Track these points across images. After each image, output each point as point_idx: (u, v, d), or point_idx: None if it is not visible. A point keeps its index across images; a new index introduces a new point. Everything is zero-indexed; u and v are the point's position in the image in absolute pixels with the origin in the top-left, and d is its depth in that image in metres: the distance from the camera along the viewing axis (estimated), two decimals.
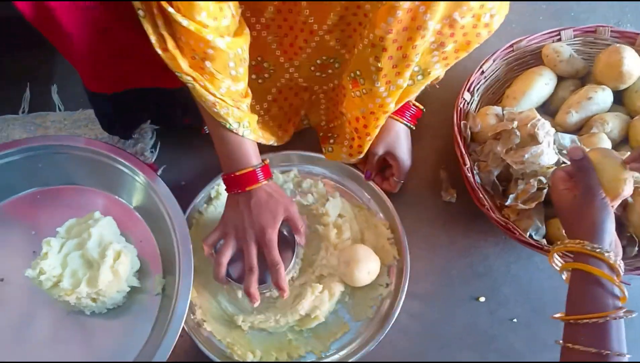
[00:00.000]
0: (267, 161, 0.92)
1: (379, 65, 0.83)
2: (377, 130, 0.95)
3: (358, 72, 0.88)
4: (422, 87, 0.95)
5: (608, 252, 0.71)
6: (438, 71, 0.91)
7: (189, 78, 0.78)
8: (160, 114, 1.06)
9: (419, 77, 0.92)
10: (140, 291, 0.97)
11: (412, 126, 1.03)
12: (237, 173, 0.88)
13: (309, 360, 0.95)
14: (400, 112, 1.01)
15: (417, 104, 1.03)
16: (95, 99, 0.97)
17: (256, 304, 0.90)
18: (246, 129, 0.87)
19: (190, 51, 0.76)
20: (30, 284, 0.90)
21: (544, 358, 0.97)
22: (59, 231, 0.94)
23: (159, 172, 1.11)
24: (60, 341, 0.93)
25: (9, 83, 1.22)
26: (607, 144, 0.98)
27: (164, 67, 0.83)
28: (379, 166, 1.05)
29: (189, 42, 0.75)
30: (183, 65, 0.77)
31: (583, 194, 0.76)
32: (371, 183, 1.06)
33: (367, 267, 0.94)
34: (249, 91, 0.88)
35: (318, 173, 1.10)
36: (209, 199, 1.05)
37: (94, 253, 0.91)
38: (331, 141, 1.06)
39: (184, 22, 0.72)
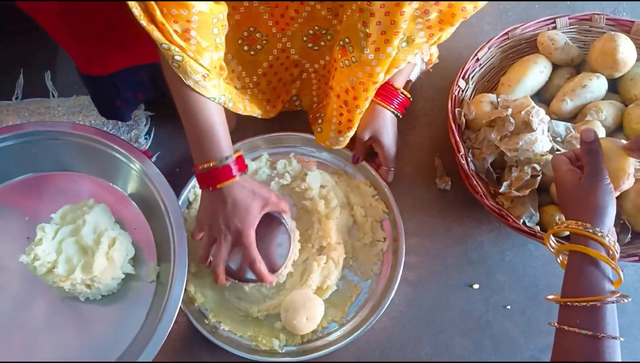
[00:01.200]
0: (241, 151, 0.89)
1: (367, 30, 0.83)
2: (367, 102, 0.94)
3: (347, 40, 0.88)
4: (417, 70, 0.95)
5: (607, 236, 0.72)
6: (421, 40, 0.90)
7: (177, 49, 0.76)
8: (157, 92, 1.04)
9: (403, 44, 0.91)
10: (134, 278, 0.97)
11: (399, 114, 1.03)
12: (209, 167, 0.84)
13: (332, 329, 0.96)
14: (388, 99, 1.01)
15: (405, 92, 1.03)
16: (90, 83, 0.96)
17: (274, 283, 0.92)
18: (230, 102, 0.88)
19: (173, 23, 0.75)
20: (24, 270, 0.91)
21: (539, 345, 0.98)
22: (54, 217, 0.94)
23: (154, 159, 1.11)
24: (54, 327, 0.93)
25: (2, 70, 1.21)
26: (602, 132, 0.98)
27: (152, 42, 0.83)
28: (365, 151, 1.06)
29: (170, 12, 0.73)
30: (173, 34, 0.75)
31: (589, 177, 0.76)
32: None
33: (306, 314, 0.92)
34: (224, 65, 0.87)
35: (288, 151, 1.11)
36: (189, 204, 1.04)
37: (89, 239, 0.91)
38: (319, 121, 1.06)
39: None
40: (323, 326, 0.96)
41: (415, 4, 0.82)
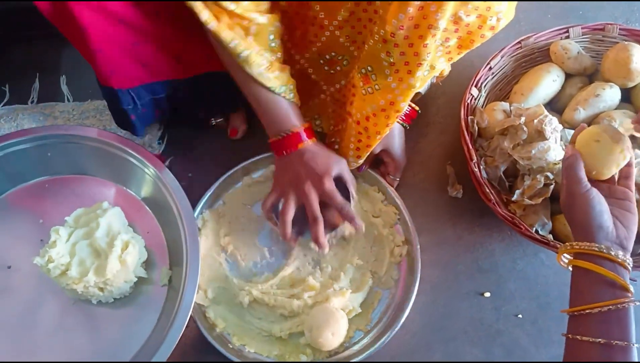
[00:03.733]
0: (309, 123, 0.96)
1: (391, 60, 0.84)
2: (388, 129, 0.95)
3: (369, 68, 0.88)
4: (428, 83, 0.95)
5: (605, 247, 0.71)
6: (442, 65, 0.91)
7: (244, 44, 0.83)
8: (174, 109, 1.06)
9: (425, 72, 0.91)
10: (147, 282, 0.97)
11: (406, 126, 1.04)
12: (285, 135, 0.92)
13: (358, 338, 0.96)
14: None
15: (412, 104, 1.03)
16: (108, 94, 0.97)
17: (326, 251, 0.95)
18: (291, 93, 0.92)
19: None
20: (37, 272, 0.91)
21: (550, 355, 0.97)
22: (68, 220, 0.94)
23: (167, 163, 1.12)
24: (66, 329, 0.93)
25: (19, 74, 1.23)
26: None
27: (177, 57, 0.84)
28: (371, 162, 1.06)
29: (233, 19, 0.82)
30: (240, 32, 0.82)
31: (568, 193, 0.76)
32: None
33: (331, 330, 0.91)
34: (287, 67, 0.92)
35: None
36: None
37: (102, 242, 0.92)
38: (336, 146, 1.06)
39: (232, 5, 0.79)
40: (349, 336, 0.95)
41: (438, 37, 0.83)
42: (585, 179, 0.76)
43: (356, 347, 0.95)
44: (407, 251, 1.01)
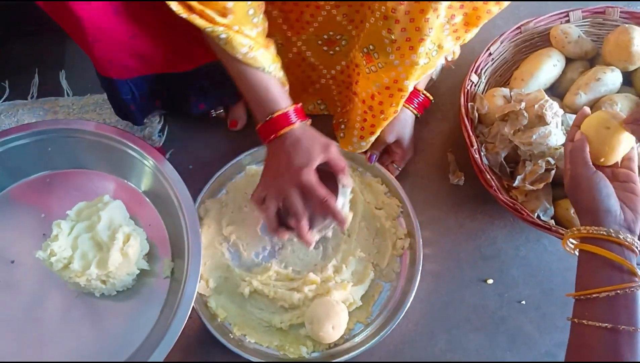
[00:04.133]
0: (300, 104, 0.88)
1: (392, 37, 0.83)
2: (392, 110, 0.94)
3: (371, 47, 0.88)
4: (438, 67, 0.95)
5: (614, 231, 0.70)
6: (449, 44, 0.91)
7: (222, 28, 0.78)
8: (174, 100, 1.06)
9: (434, 53, 0.92)
10: (149, 274, 0.97)
11: (418, 115, 1.04)
12: (270, 118, 0.85)
13: (358, 331, 0.96)
14: (409, 99, 1.01)
15: (425, 93, 1.03)
16: (107, 84, 0.97)
17: (311, 248, 0.92)
18: (280, 72, 0.88)
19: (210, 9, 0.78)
20: (40, 266, 0.91)
21: (554, 341, 0.97)
22: (69, 214, 0.95)
23: (167, 156, 1.12)
24: (70, 322, 0.93)
25: (18, 69, 1.23)
26: None
27: (174, 49, 0.83)
28: (382, 150, 1.06)
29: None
30: (215, 16, 0.77)
31: (574, 176, 0.76)
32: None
33: (331, 323, 0.90)
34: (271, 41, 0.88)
35: None
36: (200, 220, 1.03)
37: (104, 235, 0.92)
38: (342, 126, 1.06)
39: None
40: (349, 328, 0.95)
41: (442, 13, 0.82)
42: (590, 162, 0.75)
43: (357, 339, 0.95)
44: (409, 244, 1.01)
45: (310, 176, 0.83)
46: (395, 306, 0.96)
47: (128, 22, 0.85)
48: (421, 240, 0.98)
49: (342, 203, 0.87)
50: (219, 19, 0.78)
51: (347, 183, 0.87)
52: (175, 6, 0.77)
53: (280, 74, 0.88)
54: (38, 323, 0.93)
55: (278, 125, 0.84)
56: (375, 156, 1.05)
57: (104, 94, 1.13)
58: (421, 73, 0.94)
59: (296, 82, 1.07)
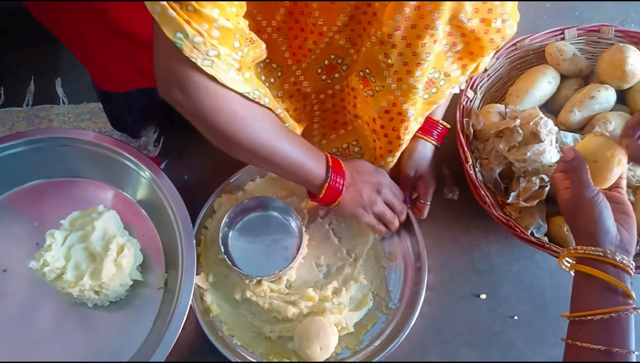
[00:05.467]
0: (330, 155, 0.92)
1: (389, 61, 0.83)
2: (398, 145, 0.95)
3: (368, 71, 0.88)
4: (448, 94, 0.95)
5: (611, 252, 0.70)
6: (456, 73, 0.90)
7: (215, 42, 0.68)
8: (170, 113, 1.06)
9: (441, 82, 0.91)
10: (142, 285, 0.97)
11: (438, 145, 1.03)
12: (321, 196, 0.90)
13: (344, 355, 0.95)
14: (428, 131, 1.01)
15: (444, 123, 1.02)
16: (104, 97, 0.97)
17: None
18: (265, 97, 0.80)
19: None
20: (32, 275, 0.91)
21: (545, 357, 0.97)
22: (63, 223, 0.94)
23: (162, 166, 1.12)
24: (62, 332, 0.93)
25: (14, 76, 1.23)
26: None
27: None
28: (412, 188, 1.05)
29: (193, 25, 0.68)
30: (204, 33, 0.67)
31: (575, 197, 0.75)
32: None
33: (320, 344, 0.91)
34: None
35: None
36: (212, 212, 1.04)
37: (98, 246, 0.92)
38: (355, 149, 1.07)
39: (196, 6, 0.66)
40: (336, 352, 0.95)
41: (441, 39, 0.82)
42: (592, 183, 0.75)
43: None
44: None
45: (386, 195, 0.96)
46: (386, 340, 0.95)
47: (127, 40, 0.85)
48: (425, 285, 0.97)
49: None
50: (206, 35, 0.68)
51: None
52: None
53: (267, 100, 0.81)
54: (29, 333, 0.93)
55: (332, 198, 0.92)
56: (409, 198, 1.05)
57: (100, 102, 1.12)
58: (430, 102, 0.93)
59: (293, 113, 1.06)
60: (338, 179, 0.90)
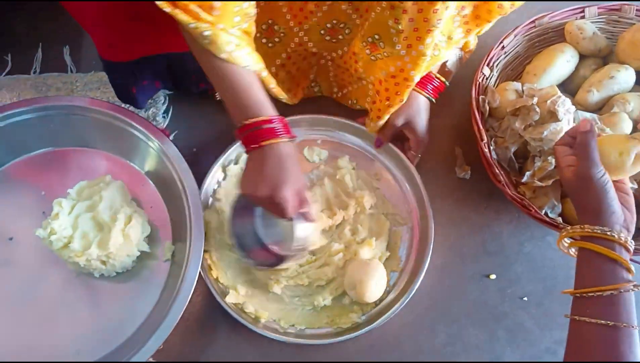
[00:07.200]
0: (286, 118, 0.82)
1: (400, 27, 0.82)
2: (399, 101, 0.93)
3: (377, 36, 0.87)
4: (454, 58, 0.93)
5: (617, 232, 0.71)
6: (459, 36, 0.89)
7: (206, 24, 0.72)
8: (175, 81, 1.05)
9: (443, 43, 0.91)
10: (149, 256, 0.96)
11: (433, 99, 1.02)
12: (254, 124, 0.77)
13: (394, 280, 0.98)
14: (422, 84, 0.99)
15: (440, 77, 1.01)
16: (109, 68, 0.96)
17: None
18: (264, 71, 0.83)
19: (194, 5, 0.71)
20: (39, 244, 0.90)
21: (554, 337, 0.97)
22: (70, 192, 0.93)
23: (171, 137, 1.10)
24: (68, 302, 0.93)
25: (21, 43, 1.21)
26: (628, 124, 0.96)
27: (176, 31, 0.81)
28: (393, 136, 1.04)
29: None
30: (199, 12, 0.71)
31: (581, 174, 0.75)
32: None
33: (373, 280, 0.91)
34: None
35: (315, 137, 1.10)
36: (224, 168, 1.03)
37: (105, 216, 0.91)
38: (355, 104, 1.08)
39: None
40: (387, 280, 0.96)
41: (452, 4, 0.80)
42: (599, 162, 0.74)
43: (394, 292, 0.97)
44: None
45: (287, 194, 0.78)
46: (420, 247, 0.99)
47: (127, 6, 0.83)
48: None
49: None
50: (203, 15, 0.72)
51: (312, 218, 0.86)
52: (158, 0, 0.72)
53: (265, 74, 0.83)
54: (36, 302, 0.92)
55: (262, 136, 0.77)
56: (382, 142, 1.05)
57: None
58: (430, 64, 0.92)
59: (297, 72, 1.07)
60: (282, 128, 0.79)
